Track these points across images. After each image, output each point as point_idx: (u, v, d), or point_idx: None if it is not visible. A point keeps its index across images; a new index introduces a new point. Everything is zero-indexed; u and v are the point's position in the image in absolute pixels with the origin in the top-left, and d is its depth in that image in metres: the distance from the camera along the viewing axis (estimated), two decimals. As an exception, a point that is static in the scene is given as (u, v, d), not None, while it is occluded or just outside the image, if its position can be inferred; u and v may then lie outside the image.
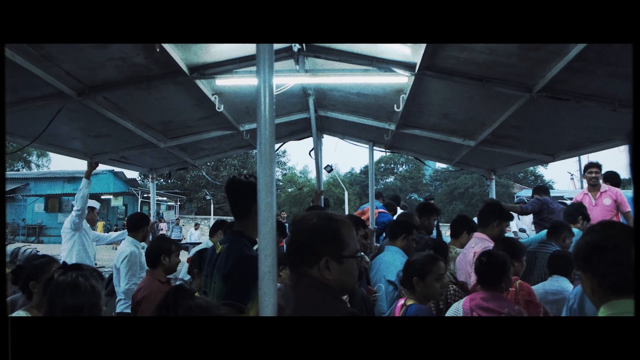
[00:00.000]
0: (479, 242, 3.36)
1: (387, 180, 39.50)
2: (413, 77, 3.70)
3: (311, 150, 6.49)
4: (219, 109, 4.42)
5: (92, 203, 5.42)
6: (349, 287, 1.50)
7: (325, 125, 6.49)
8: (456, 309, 2.61)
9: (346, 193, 14.95)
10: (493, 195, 6.68)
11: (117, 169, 20.32)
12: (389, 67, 3.79)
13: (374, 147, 6.47)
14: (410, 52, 3.49)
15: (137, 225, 4.33)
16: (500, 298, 2.50)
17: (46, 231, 23.25)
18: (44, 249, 14.35)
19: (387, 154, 8.11)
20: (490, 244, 3.28)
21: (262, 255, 1.48)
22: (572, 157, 5.19)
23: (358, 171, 36.45)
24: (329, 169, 7.52)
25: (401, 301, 2.56)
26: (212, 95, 4.30)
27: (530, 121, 4.17)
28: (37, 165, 35.66)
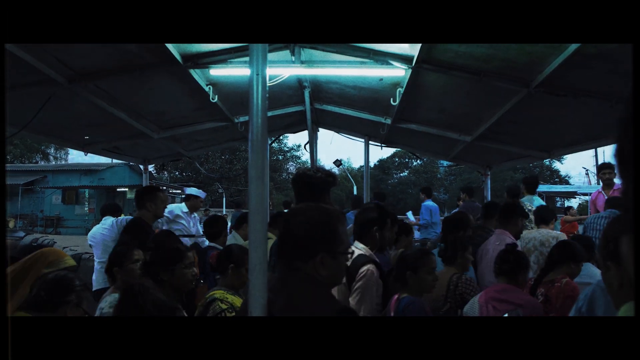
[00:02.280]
0: (503, 240, 3.47)
1: (402, 174, 39.48)
2: (410, 71, 3.66)
3: (306, 143, 6.46)
4: (213, 99, 4.35)
5: (198, 192, 5.76)
6: (338, 282, 1.51)
7: (321, 119, 6.44)
8: (472, 303, 2.68)
9: (355, 187, 14.99)
10: (488, 191, 6.68)
11: (132, 162, 20.30)
12: (386, 60, 3.74)
13: (370, 142, 6.45)
14: (408, 45, 3.44)
15: (114, 213, 5.25)
16: (515, 290, 2.58)
17: (64, 222, 23.46)
18: (61, 240, 14.26)
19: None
20: (511, 241, 3.42)
21: (252, 247, 1.45)
22: (567, 154, 5.24)
23: (372, 165, 36.53)
24: (338, 163, 7.49)
25: (396, 295, 2.55)
26: (207, 85, 4.24)
27: (527, 117, 4.14)
28: (55, 158, 35.85)
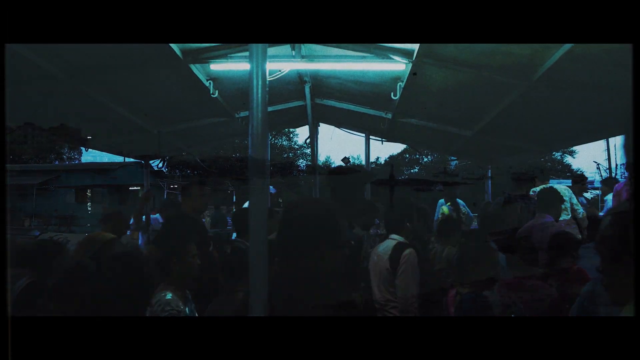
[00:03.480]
0: (555, 224, 3.68)
1: (412, 170, 39.52)
2: (411, 65, 3.64)
3: (307, 139, 6.44)
4: (213, 94, 4.34)
5: (270, 189, 6.00)
6: (339, 275, 1.51)
7: (322, 114, 6.42)
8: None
9: None
10: (489, 186, 6.68)
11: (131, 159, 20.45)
12: (386, 54, 3.72)
13: (370, 137, 6.44)
14: (409, 38, 3.43)
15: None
16: (526, 279, 2.58)
17: (77, 221, 23.77)
18: (75, 238, 14.16)
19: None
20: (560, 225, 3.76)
21: (252, 245, 1.45)
22: (567, 148, 5.26)
23: (382, 161, 36.59)
24: (346, 160, 7.51)
25: (454, 290, 2.55)
26: (207, 80, 4.22)
27: (528, 111, 4.13)
28: (69, 158, 36.28)
